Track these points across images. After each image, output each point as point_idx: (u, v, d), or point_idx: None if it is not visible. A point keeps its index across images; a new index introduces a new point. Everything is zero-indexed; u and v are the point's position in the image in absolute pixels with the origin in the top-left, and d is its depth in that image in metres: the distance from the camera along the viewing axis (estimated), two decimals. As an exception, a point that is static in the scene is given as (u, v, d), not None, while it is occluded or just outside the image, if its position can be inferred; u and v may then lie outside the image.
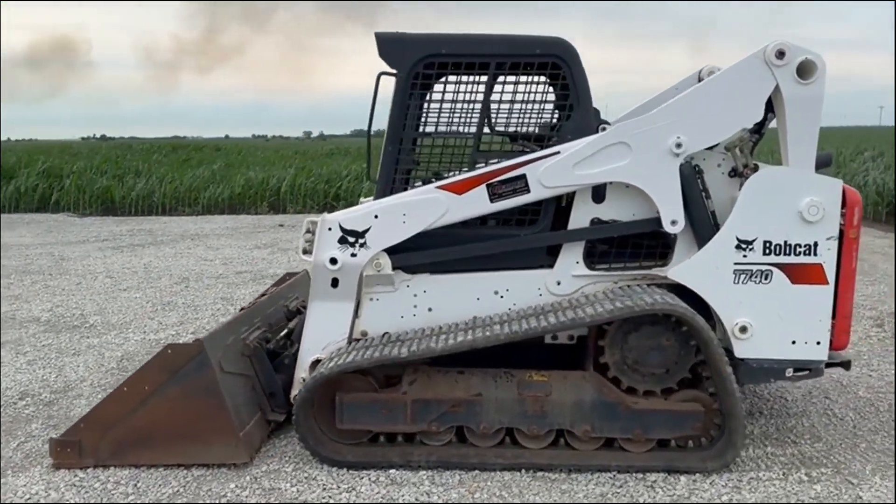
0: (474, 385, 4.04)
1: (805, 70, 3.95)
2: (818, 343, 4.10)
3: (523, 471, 3.93)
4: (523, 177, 4.14)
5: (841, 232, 4.06)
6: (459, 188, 4.17)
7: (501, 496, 3.68)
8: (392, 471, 3.93)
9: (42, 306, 7.92)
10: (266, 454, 4.15)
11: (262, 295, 5.39)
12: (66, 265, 10.42)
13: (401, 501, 3.63)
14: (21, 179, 18.83)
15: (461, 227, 4.31)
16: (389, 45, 4.24)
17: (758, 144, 4.29)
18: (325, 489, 3.75)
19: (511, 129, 4.44)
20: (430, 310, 4.35)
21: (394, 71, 4.26)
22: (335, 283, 4.27)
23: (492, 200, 4.17)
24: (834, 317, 4.13)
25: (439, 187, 4.18)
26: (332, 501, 3.63)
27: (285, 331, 4.86)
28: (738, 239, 4.04)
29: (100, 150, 33.59)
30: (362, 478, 3.86)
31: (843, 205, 4.05)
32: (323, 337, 4.32)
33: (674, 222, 4.12)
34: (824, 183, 4.02)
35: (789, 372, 4.12)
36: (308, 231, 4.29)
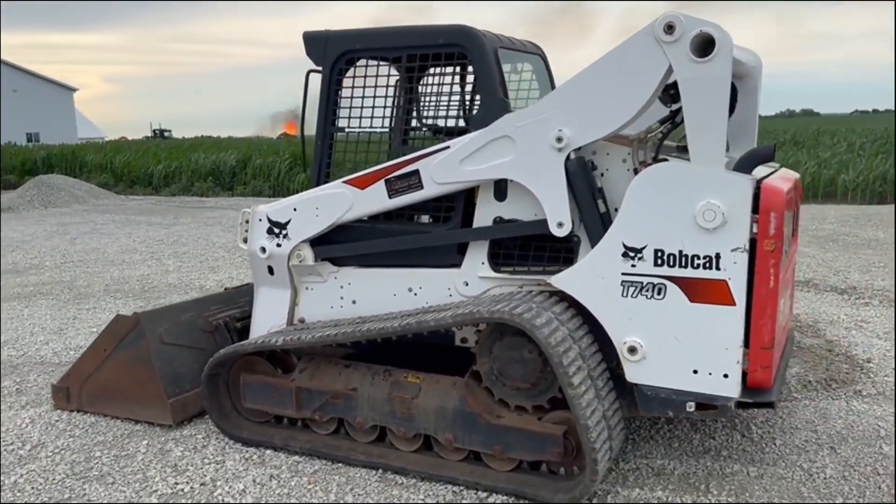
0: (353, 380, 4.06)
1: (701, 46, 3.28)
2: (725, 376, 3.40)
3: (380, 471, 3.88)
4: (417, 172, 4.02)
5: (754, 243, 3.32)
6: (362, 183, 4.19)
7: (328, 490, 3.70)
8: (268, 451, 4.14)
9: (219, 277, 9.27)
10: (202, 420, 4.59)
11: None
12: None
13: (248, 479, 3.83)
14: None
15: (383, 222, 4.32)
16: (313, 43, 4.37)
17: (668, 135, 3.65)
18: (203, 458, 4.10)
19: (430, 122, 4.32)
20: (354, 302, 4.42)
21: (319, 68, 4.40)
22: (271, 270, 4.54)
23: (390, 196, 4.11)
24: (748, 346, 3.39)
25: (345, 182, 4.24)
26: (192, 468, 3.96)
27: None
28: (624, 246, 3.50)
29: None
30: (238, 453, 4.13)
31: (757, 209, 3.30)
32: (267, 321, 4.62)
33: (560, 224, 3.70)
34: (728, 182, 3.31)
35: (690, 406, 3.48)
36: (246, 221, 4.62)
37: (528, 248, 3.95)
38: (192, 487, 3.77)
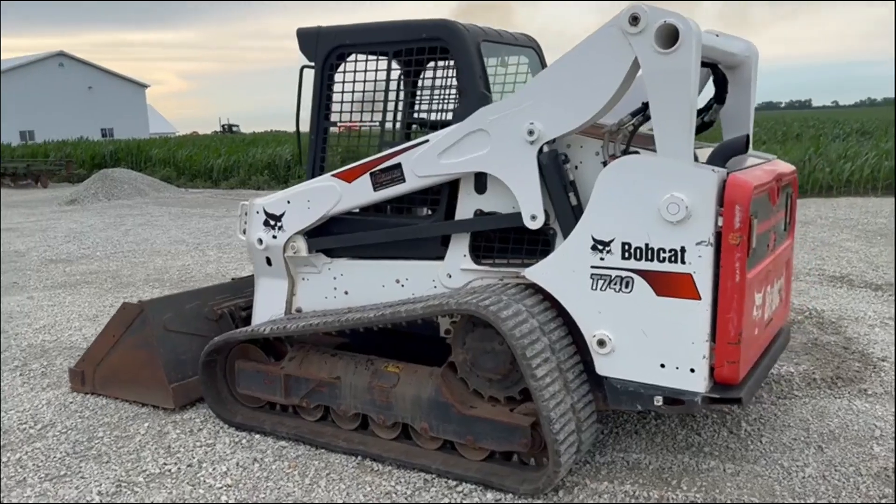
0: (337, 368, 4.16)
1: (666, 37, 3.24)
2: (692, 371, 3.37)
3: (359, 458, 3.97)
4: (399, 166, 4.08)
5: (720, 236, 3.27)
6: (349, 176, 4.27)
7: (305, 475, 3.81)
8: (258, 436, 4.28)
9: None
10: (203, 405, 4.75)
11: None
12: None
13: (233, 461, 3.97)
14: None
15: (373, 214, 4.41)
16: (305, 40, 4.48)
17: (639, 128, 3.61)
18: (196, 440, 4.27)
19: (419, 116, 4.38)
20: (346, 293, 4.52)
21: (312, 64, 4.50)
22: (269, 261, 4.68)
23: (375, 189, 4.19)
24: (715, 341, 3.35)
25: (334, 175, 4.33)
26: (183, 449, 4.13)
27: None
28: (593, 239, 3.50)
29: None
30: (228, 437, 4.28)
31: (722, 203, 3.25)
32: (267, 310, 4.76)
33: (533, 217, 3.72)
34: (692, 175, 3.27)
35: (658, 400, 3.46)
36: (245, 213, 4.76)
37: (508, 241, 3.97)
38: (178, 468, 3.93)
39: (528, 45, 4.65)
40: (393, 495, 3.58)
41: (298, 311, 4.68)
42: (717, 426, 4.22)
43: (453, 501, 3.51)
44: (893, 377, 4.89)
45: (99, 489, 3.73)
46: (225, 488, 3.70)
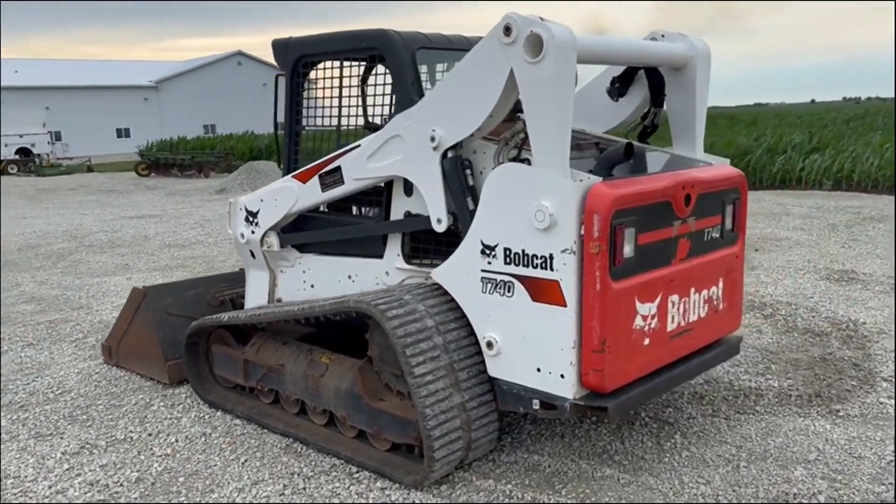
0: (284, 356, 4.50)
1: (533, 46, 3.27)
2: (562, 376, 3.39)
3: (290, 439, 4.28)
4: (339, 169, 4.34)
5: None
6: (304, 177, 4.58)
7: (234, 451, 4.18)
8: (219, 413, 4.70)
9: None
10: (198, 383, 5.27)
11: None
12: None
13: (184, 434, 4.42)
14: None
15: (333, 213, 4.70)
16: (277, 50, 4.83)
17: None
18: (170, 414, 4.76)
19: (369, 120, 4.60)
20: (312, 286, 4.85)
21: (283, 72, 4.84)
22: (252, 255, 5.10)
23: (322, 190, 4.47)
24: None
25: (293, 176, 4.65)
26: (153, 420, 4.64)
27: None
28: (482, 243, 3.59)
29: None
30: (196, 412, 4.74)
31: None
32: (254, 299, 5.21)
33: (439, 220, 3.85)
34: (557, 184, 3.29)
35: (536, 404, 3.52)
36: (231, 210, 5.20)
37: (433, 242, 4.12)
38: (140, 436, 4.43)
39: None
40: (295, 476, 3.86)
41: (279, 300, 5.07)
42: (648, 436, 4.14)
43: (342, 486, 3.74)
44: (885, 398, 4.52)
45: (65, 448, 4.29)
46: (163, 457, 4.15)
